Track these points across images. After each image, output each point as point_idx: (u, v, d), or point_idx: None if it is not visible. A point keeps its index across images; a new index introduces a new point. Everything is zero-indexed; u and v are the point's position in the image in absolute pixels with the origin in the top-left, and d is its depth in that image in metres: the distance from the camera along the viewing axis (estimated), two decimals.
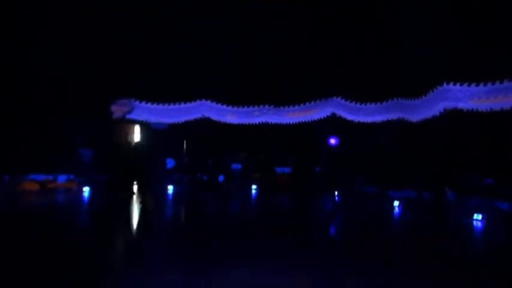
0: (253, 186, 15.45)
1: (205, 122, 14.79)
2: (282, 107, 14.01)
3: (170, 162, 16.17)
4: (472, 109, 11.52)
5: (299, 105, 13.95)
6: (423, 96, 12.72)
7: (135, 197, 12.29)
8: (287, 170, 17.31)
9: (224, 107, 14.31)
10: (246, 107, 14.30)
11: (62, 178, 14.57)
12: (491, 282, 5.48)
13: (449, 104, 11.88)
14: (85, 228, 8.98)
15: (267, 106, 14.03)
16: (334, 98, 13.70)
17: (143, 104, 14.37)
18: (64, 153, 14.41)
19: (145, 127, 16.56)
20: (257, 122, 14.18)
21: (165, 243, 7.40)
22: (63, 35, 13.75)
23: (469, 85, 10.90)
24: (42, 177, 14.32)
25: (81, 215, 10.42)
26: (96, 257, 6.16)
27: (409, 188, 13.28)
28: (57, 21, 13.66)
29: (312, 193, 14.14)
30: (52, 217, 9.80)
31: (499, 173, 11.18)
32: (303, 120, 14.04)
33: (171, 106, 14.36)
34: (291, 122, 14.10)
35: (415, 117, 13.51)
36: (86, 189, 13.39)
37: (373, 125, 14.01)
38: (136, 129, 16.95)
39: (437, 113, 12.34)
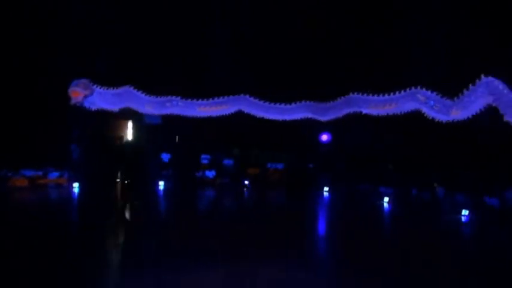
0: (246, 182, 15.62)
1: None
2: (191, 100, 13.95)
3: (165, 157, 15.98)
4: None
5: (208, 100, 13.99)
6: (331, 102, 13.62)
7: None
8: (280, 166, 17.33)
9: (142, 95, 13.37)
10: (159, 97, 13.90)
11: (53, 174, 14.44)
12: (479, 278, 5.87)
13: (354, 109, 12.93)
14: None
15: (174, 97, 13.86)
16: (243, 95, 13.94)
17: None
18: (55, 149, 14.05)
19: (138, 122, 16.10)
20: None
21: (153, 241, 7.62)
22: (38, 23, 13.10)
23: (367, 95, 11.91)
24: (31, 173, 14.15)
25: (67, 212, 11.19)
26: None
27: (400, 185, 13.67)
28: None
29: (304, 190, 14.39)
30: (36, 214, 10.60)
31: (485, 169, 12.03)
32: (214, 115, 14.08)
33: (110, 90, 13.60)
34: (202, 116, 14.09)
35: (324, 118, 14.35)
36: (76, 185, 13.42)
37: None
38: (129, 124, 16.74)
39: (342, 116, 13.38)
